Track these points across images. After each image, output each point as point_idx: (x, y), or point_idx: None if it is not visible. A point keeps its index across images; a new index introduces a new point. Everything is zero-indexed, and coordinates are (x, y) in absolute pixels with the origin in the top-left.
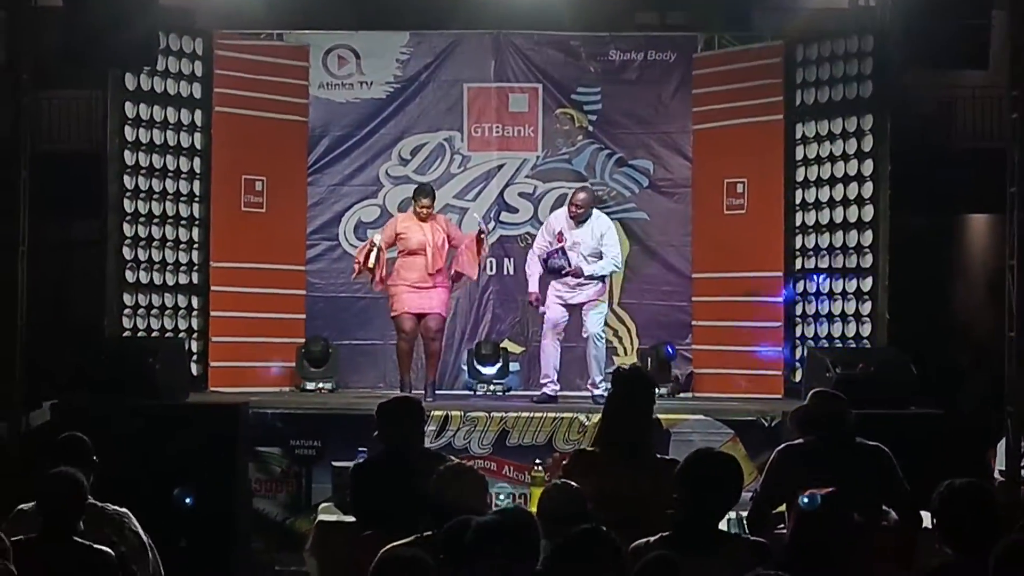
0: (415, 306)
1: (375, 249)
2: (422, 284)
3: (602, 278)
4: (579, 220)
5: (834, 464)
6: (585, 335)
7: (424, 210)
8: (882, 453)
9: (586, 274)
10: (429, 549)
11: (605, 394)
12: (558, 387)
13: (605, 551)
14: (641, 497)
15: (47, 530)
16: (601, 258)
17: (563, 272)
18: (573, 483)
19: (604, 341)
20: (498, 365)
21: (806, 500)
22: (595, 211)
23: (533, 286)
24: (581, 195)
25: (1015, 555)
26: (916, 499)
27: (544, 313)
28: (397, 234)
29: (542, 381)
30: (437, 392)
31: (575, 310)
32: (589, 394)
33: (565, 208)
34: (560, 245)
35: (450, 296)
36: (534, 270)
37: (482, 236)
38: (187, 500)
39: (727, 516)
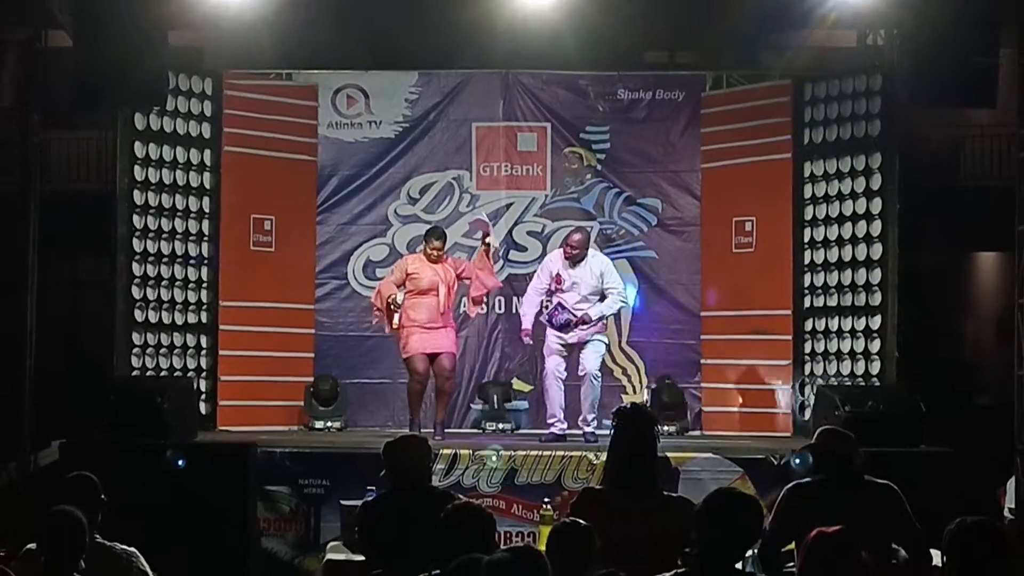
0: (428, 347)
1: (397, 311)
2: (432, 324)
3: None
4: (575, 261)
5: (843, 502)
6: (582, 373)
7: (435, 252)
8: (892, 491)
9: (594, 318)
10: None
11: (596, 431)
12: (565, 425)
13: None
14: (650, 535)
15: (49, 569)
16: (601, 297)
17: (570, 325)
18: (582, 521)
19: (600, 380)
20: (507, 403)
21: (797, 460)
22: (591, 250)
23: (527, 323)
24: (576, 236)
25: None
26: (926, 537)
27: (544, 354)
28: (408, 275)
29: (549, 421)
30: (446, 431)
31: (574, 349)
32: (580, 432)
33: (560, 250)
34: (558, 301)
35: (458, 336)
36: (529, 309)
37: (487, 239)
38: (179, 462)
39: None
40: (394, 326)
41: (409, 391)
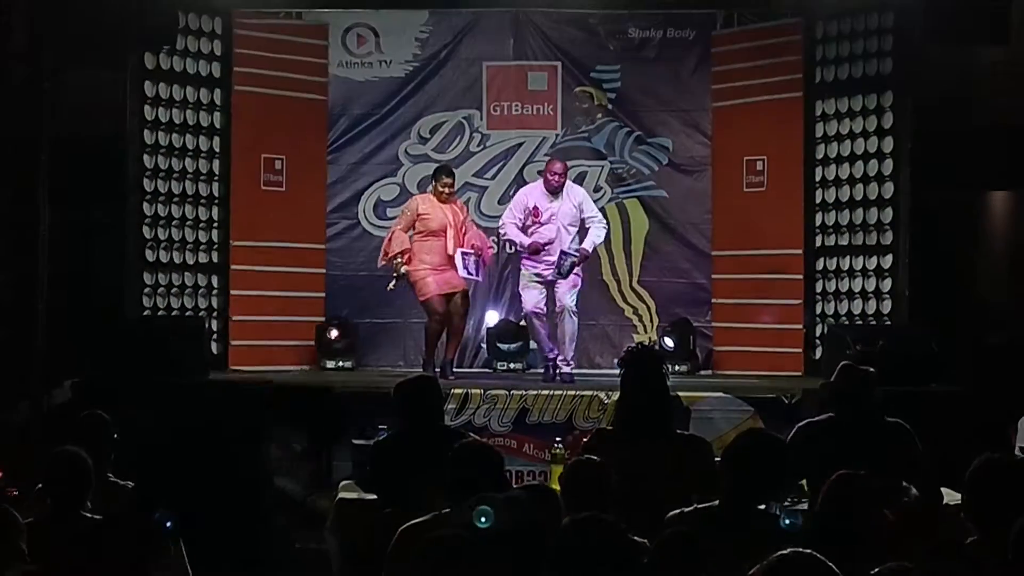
0: (445, 287)
1: (397, 276)
2: (443, 266)
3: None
4: (557, 190)
5: (855, 440)
6: (560, 309)
7: (446, 189)
8: (903, 430)
9: (589, 251)
10: (448, 526)
11: (572, 371)
12: (572, 363)
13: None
14: (663, 473)
15: (55, 509)
16: (579, 227)
17: (575, 266)
18: (597, 458)
19: (577, 316)
20: (518, 343)
21: (788, 523)
22: (568, 182)
23: (523, 239)
24: (558, 164)
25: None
26: (937, 476)
27: (520, 293)
28: (418, 215)
29: (549, 356)
30: (456, 370)
31: (550, 284)
32: (566, 370)
33: (538, 182)
34: (560, 250)
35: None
36: (514, 232)
37: (490, 248)
38: (167, 524)
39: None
40: (389, 287)
41: (427, 331)
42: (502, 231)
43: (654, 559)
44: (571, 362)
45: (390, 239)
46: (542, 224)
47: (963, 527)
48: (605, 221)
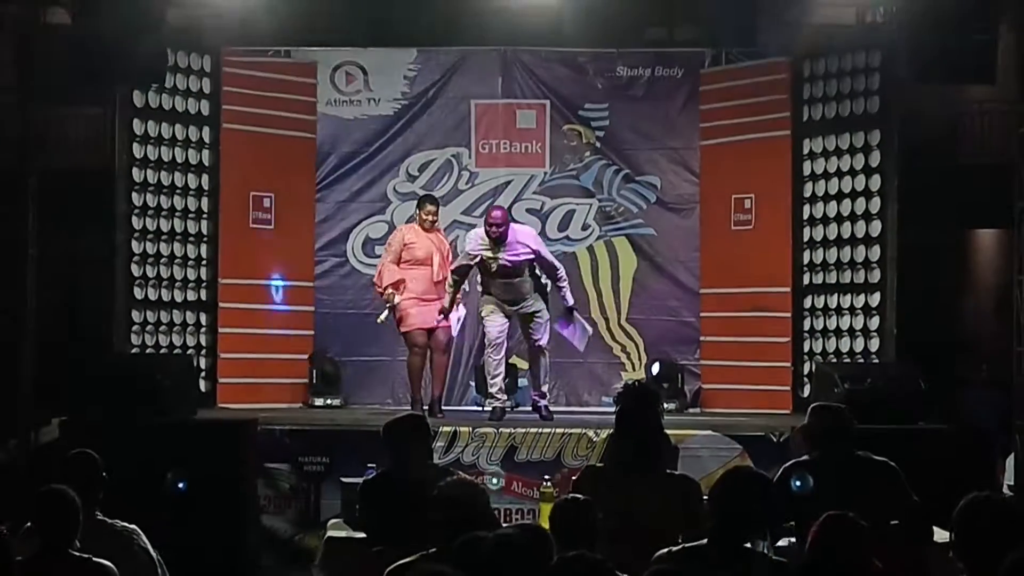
0: (425, 321)
1: (389, 309)
2: (428, 296)
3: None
4: (499, 239)
5: (839, 478)
6: (538, 344)
7: (429, 217)
8: (889, 468)
9: (570, 302)
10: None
11: (548, 405)
12: (506, 396)
13: None
14: (651, 513)
15: (44, 547)
16: (534, 268)
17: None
18: (582, 496)
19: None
20: (506, 381)
21: (798, 483)
22: (511, 226)
23: (447, 301)
24: (496, 212)
25: (1020, 571)
26: (925, 514)
27: (483, 326)
28: (404, 245)
29: (493, 392)
30: (444, 408)
31: (519, 319)
32: (538, 405)
33: (480, 230)
34: (567, 310)
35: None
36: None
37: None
38: (179, 485)
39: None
40: (380, 320)
41: (409, 366)
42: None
43: None
44: (547, 397)
45: (380, 272)
46: (493, 266)
47: (954, 567)
48: (559, 264)
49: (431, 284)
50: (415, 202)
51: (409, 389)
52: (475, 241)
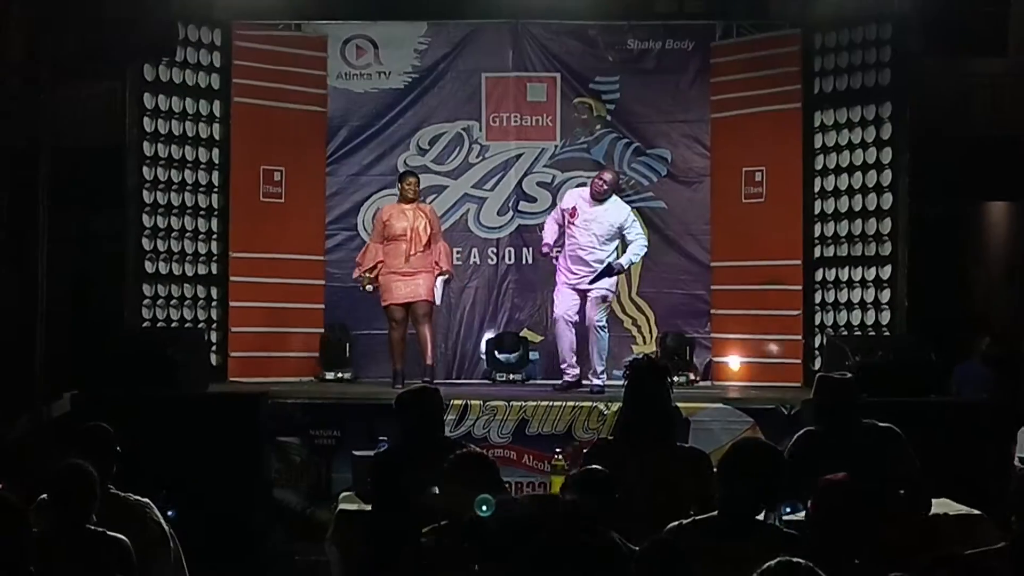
0: (403, 295)
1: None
2: (406, 270)
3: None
4: (600, 198)
5: (845, 447)
6: (589, 324)
7: (409, 188)
8: (892, 434)
9: (625, 266)
10: (446, 539)
11: (604, 384)
12: (578, 371)
13: None
14: (661, 486)
15: (61, 521)
16: (612, 241)
17: (618, 272)
18: (601, 468)
19: (607, 331)
20: (517, 354)
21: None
22: (615, 196)
23: (548, 237)
24: (608, 175)
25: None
26: (927, 482)
27: (554, 298)
28: (384, 223)
29: (562, 366)
30: (455, 381)
31: (584, 294)
32: (589, 383)
33: (587, 187)
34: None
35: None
36: (548, 232)
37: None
38: (169, 513)
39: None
40: (364, 288)
41: (390, 340)
42: (540, 230)
43: (638, 567)
44: (600, 376)
45: (364, 252)
46: (576, 226)
47: (964, 539)
48: (645, 241)
49: (406, 258)
50: (427, 176)
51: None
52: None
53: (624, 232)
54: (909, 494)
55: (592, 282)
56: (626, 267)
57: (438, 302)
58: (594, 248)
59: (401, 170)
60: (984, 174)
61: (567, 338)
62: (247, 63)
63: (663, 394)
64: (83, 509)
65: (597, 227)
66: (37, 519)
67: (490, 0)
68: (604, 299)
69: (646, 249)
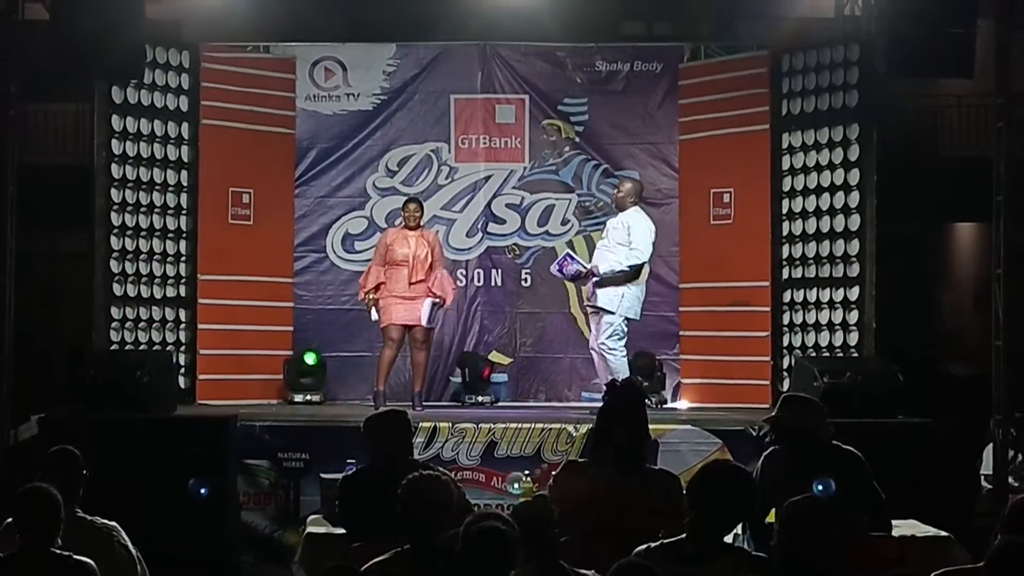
0: (402, 318)
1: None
2: (407, 295)
3: (619, 275)
4: (619, 207)
5: (809, 469)
6: (595, 346)
7: (411, 216)
8: (855, 458)
9: (603, 272)
10: (409, 561)
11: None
12: None
13: None
14: (631, 507)
15: (26, 544)
16: (622, 249)
17: (580, 276)
18: (544, 493)
19: (618, 352)
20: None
21: (820, 488)
22: (634, 208)
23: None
24: (628, 184)
25: (1010, 555)
26: (887, 506)
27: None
28: (387, 247)
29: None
30: (425, 404)
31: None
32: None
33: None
34: (567, 252)
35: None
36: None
37: (453, 289)
38: (202, 491)
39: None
40: (373, 318)
41: (381, 357)
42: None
43: None
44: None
45: (367, 274)
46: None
47: (932, 561)
48: (642, 256)
49: (408, 284)
50: (395, 198)
51: (374, 383)
52: None
53: (629, 239)
54: (871, 518)
55: (562, 272)
56: (603, 272)
57: (424, 323)
58: (602, 255)
59: (371, 193)
60: (951, 195)
61: (598, 363)
62: (216, 85)
63: (638, 416)
64: (48, 532)
65: (611, 235)
66: (2, 542)
67: (458, 22)
68: (608, 321)
69: (638, 260)
